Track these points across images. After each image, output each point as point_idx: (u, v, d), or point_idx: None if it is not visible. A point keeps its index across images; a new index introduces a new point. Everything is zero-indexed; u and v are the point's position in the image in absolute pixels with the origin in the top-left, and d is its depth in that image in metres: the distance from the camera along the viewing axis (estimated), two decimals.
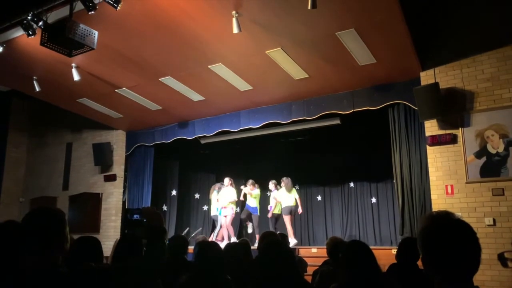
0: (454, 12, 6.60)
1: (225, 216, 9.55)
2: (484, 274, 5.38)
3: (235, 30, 5.45)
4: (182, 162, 11.31)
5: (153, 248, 2.37)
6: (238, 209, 10.29)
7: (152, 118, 9.44)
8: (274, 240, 2.75)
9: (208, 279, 2.60)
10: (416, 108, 6.74)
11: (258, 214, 9.80)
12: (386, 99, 7.37)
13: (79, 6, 5.41)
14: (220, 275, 2.71)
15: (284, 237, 6.07)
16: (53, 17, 5.73)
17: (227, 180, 9.75)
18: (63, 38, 5.32)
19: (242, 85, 7.70)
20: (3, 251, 1.94)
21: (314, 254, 7.90)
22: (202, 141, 9.89)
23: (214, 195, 10.15)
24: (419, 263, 3.04)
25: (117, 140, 10.37)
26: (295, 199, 9.37)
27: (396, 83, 7.25)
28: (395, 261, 3.73)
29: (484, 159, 6.18)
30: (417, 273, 3.34)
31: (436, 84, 6.42)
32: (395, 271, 3.55)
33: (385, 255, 6.19)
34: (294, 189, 9.66)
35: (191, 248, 5.00)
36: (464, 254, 1.41)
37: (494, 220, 5.96)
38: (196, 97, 8.28)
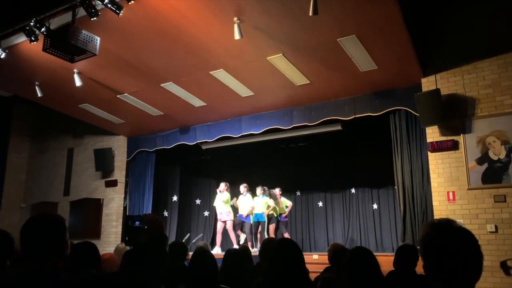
0: (455, 19, 6.62)
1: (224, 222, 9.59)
2: (486, 281, 5.35)
3: (237, 36, 5.47)
4: (183, 168, 11.30)
5: (154, 255, 2.37)
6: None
7: (154, 123, 9.45)
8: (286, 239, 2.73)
9: None
10: (418, 114, 6.74)
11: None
12: (387, 105, 7.37)
13: (81, 12, 5.45)
14: (214, 283, 2.70)
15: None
16: (55, 23, 5.75)
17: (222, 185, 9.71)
18: (65, 44, 5.36)
19: (244, 91, 7.72)
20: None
21: (315, 261, 7.86)
22: (203, 147, 9.90)
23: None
24: (417, 269, 3.04)
25: (118, 146, 10.38)
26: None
27: (398, 89, 7.26)
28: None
29: (485, 165, 6.17)
30: (416, 280, 3.33)
31: (437, 90, 6.42)
32: (393, 278, 3.54)
33: (387, 261, 6.13)
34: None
35: (191, 254, 4.99)
36: (466, 261, 1.40)
37: (496, 227, 5.94)
38: (197, 102, 8.30)
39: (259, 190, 9.59)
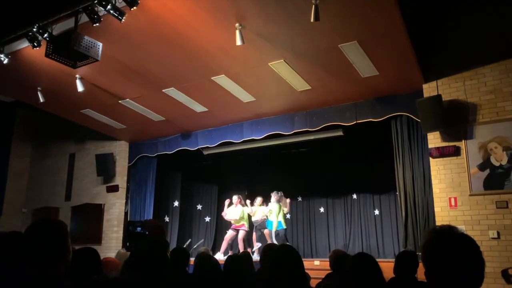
0: (457, 25, 6.63)
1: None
2: None
3: (238, 42, 5.48)
4: (185, 173, 11.29)
5: (156, 261, 2.36)
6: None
7: (155, 129, 9.46)
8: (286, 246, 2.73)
9: None
10: (419, 120, 6.74)
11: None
12: (388, 111, 7.37)
13: (84, 18, 5.47)
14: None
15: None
16: (58, 29, 5.79)
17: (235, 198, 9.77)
18: (68, 49, 5.39)
19: (245, 97, 7.73)
20: (7, 262, 1.94)
21: (316, 267, 7.83)
22: (205, 152, 9.90)
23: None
24: (419, 276, 3.03)
25: (120, 151, 10.38)
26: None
27: (399, 95, 7.26)
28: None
29: (487, 171, 6.16)
30: (417, 287, 3.33)
31: (438, 96, 6.42)
32: (394, 284, 3.53)
33: (389, 268, 6.10)
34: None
35: (193, 259, 4.98)
36: (468, 268, 1.40)
37: (498, 233, 5.91)
38: (199, 108, 8.31)
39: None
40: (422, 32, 6.55)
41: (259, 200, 9.82)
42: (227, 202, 9.87)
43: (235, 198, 9.75)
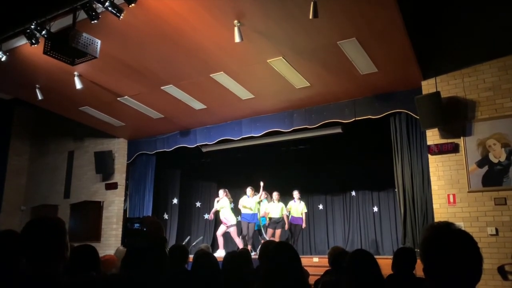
0: (456, 22, 6.63)
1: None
2: (487, 284, 5.33)
3: (237, 39, 5.48)
4: (184, 171, 11.30)
5: (153, 258, 2.36)
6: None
7: (154, 126, 9.45)
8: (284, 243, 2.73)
9: None
10: (418, 117, 6.74)
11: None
12: (387, 108, 7.37)
13: (82, 15, 5.46)
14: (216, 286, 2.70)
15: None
16: (56, 26, 5.77)
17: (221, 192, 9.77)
18: (66, 47, 5.38)
19: (244, 94, 7.72)
20: (2, 261, 1.94)
21: (315, 264, 7.84)
22: (204, 150, 9.89)
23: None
24: (418, 273, 3.03)
25: (119, 149, 10.38)
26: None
27: (398, 92, 7.26)
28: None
29: (486, 168, 6.16)
30: (415, 283, 3.33)
31: (437, 93, 6.42)
32: (393, 281, 3.54)
33: (387, 264, 6.10)
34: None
35: (192, 257, 4.98)
36: (466, 264, 1.41)
37: (496, 229, 5.93)
38: (197, 105, 8.30)
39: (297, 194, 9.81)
40: (421, 29, 6.55)
41: (276, 195, 9.76)
42: (216, 200, 9.85)
43: (221, 192, 9.74)
